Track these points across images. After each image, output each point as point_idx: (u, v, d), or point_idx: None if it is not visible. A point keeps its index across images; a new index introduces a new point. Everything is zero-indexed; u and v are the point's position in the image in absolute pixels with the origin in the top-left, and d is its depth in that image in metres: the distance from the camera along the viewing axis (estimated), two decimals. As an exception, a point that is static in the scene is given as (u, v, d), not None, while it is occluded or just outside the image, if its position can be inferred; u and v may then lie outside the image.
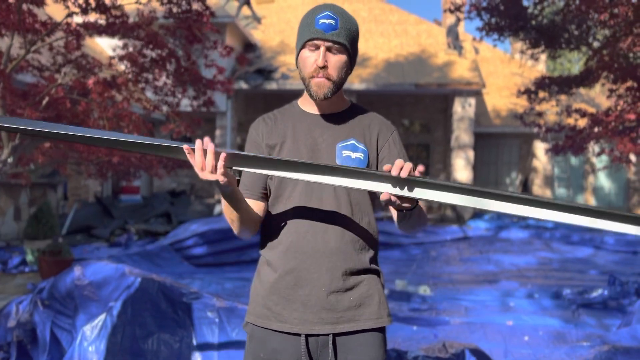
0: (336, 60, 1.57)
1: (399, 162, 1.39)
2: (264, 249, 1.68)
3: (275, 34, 17.39)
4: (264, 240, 1.69)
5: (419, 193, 1.43)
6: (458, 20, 12.58)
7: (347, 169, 1.44)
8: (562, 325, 4.84)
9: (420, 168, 1.43)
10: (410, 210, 1.52)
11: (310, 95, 1.60)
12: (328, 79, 1.57)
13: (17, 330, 3.80)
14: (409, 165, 1.39)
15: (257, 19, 17.74)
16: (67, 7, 4.07)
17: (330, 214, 1.60)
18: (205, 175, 1.39)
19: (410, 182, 1.41)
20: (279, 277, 1.60)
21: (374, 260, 1.68)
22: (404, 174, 1.38)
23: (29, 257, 7.16)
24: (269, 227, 1.66)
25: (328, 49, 1.56)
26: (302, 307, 1.57)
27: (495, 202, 1.40)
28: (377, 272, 1.69)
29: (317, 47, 1.56)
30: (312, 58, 1.56)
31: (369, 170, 1.43)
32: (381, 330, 1.64)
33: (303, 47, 1.57)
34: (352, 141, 1.63)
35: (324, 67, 1.56)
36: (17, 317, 3.94)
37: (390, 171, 1.39)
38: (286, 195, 1.63)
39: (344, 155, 1.60)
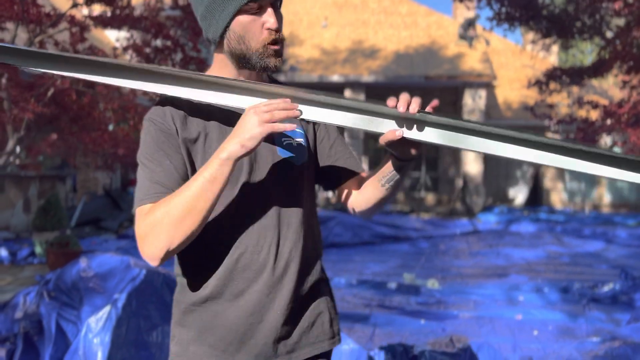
0: (281, 17, 1.28)
1: (404, 95, 1.15)
2: (189, 274, 1.29)
3: (284, 26, 17.32)
4: (188, 261, 1.29)
5: (432, 135, 1.16)
6: (477, 16, 12.38)
7: (328, 101, 1.18)
8: (571, 319, 4.78)
9: (434, 103, 1.19)
10: (410, 161, 1.28)
11: (262, 69, 1.26)
12: (282, 44, 1.27)
13: (23, 321, 3.80)
14: (418, 99, 1.15)
15: (266, 11, 17.63)
16: (72, -2, 4.08)
17: (285, 215, 1.30)
18: (263, 125, 1.12)
19: (420, 122, 1.16)
20: (222, 306, 1.26)
21: (322, 267, 1.41)
22: (414, 109, 1.13)
23: (38, 249, 7.19)
24: (196, 242, 1.23)
25: (272, 5, 1.24)
26: (252, 341, 1.26)
27: (537, 151, 1.18)
28: (327, 282, 1.43)
29: (260, 7, 1.23)
30: (258, 22, 1.23)
31: (369, 103, 1.17)
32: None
33: (238, 12, 1.22)
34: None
35: (278, 30, 1.25)
36: (24, 308, 3.95)
37: (395, 107, 1.14)
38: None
39: (284, 142, 1.32)
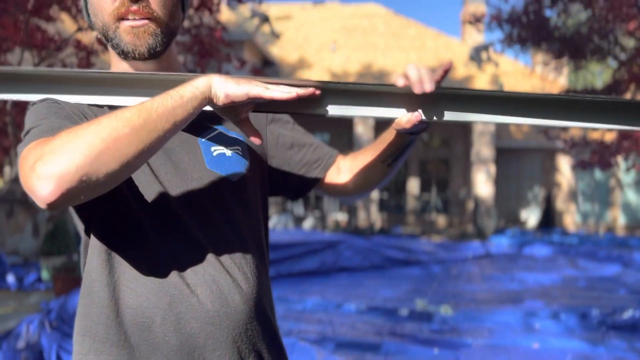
0: None
1: (414, 70, 0.91)
2: (88, 329, 0.99)
3: (293, 50, 17.42)
4: (90, 309, 0.98)
5: (451, 113, 0.96)
6: (492, 43, 12.34)
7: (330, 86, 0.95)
8: (590, 348, 4.61)
9: (447, 65, 0.93)
10: (420, 133, 1.06)
11: (123, 54, 0.97)
12: (150, 18, 0.96)
13: (25, 352, 3.72)
14: (429, 73, 0.92)
15: (276, 36, 17.82)
16: (77, 22, 4.04)
17: (228, 243, 1.01)
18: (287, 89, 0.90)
19: (437, 99, 0.96)
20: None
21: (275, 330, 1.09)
22: (429, 87, 0.90)
23: (45, 274, 7.13)
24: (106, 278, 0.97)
25: None
26: None
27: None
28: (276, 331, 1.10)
29: None
30: None
31: (373, 85, 0.95)
32: None
33: None
34: (219, 129, 1.07)
35: (137, 1, 0.94)
36: (27, 338, 3.87)
37: (406, 86, 0.91)
38: (138, 207, 0.97)
39: (215, 153, 1.04)
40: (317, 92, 0.92)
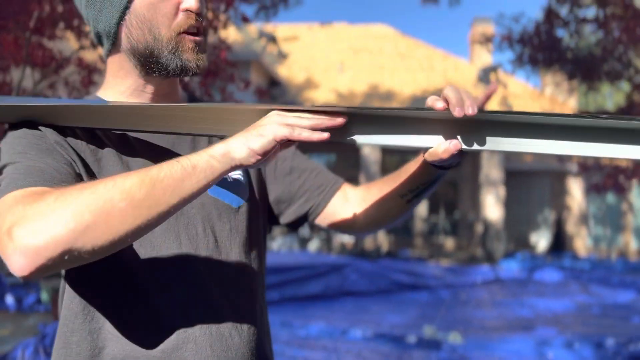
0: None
1: (454, 92, 0.78)
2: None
3: (299, 70, 17.45)
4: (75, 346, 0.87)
5: (494, 141, 0.82)
6: (499, 65, 12.28)
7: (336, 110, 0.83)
8: (608, 381, 4.41)
9: (492, 88, 0.87)
10: (450, 168, 0.93)
11: (179, 70, 0.89)
12: (206, 36, 0.93)
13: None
14: (470, 95, 0.80)
15: (283, 56, 17.89)
16: (79, 40, 4.00)
17: (236, 272, 0.95)
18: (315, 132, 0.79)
19: (479, 126, 0.82)
20: None
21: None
22: (471, 110, 0.78)
23: (44, 296, 7.00)
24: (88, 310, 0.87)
25: None
26: None
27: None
28: None
29: None
30: (171, 1, 0.87)
31: (410, 110, 0.83)
32: None
33: None
34: None
35: (200, 14, 0.89)
36: (21, 363, 3.75)
37: (445, 110, 0.79)
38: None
39: None
40: (343, 120, 0.81)
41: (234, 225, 0.95)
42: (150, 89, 0.93)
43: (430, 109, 0.80)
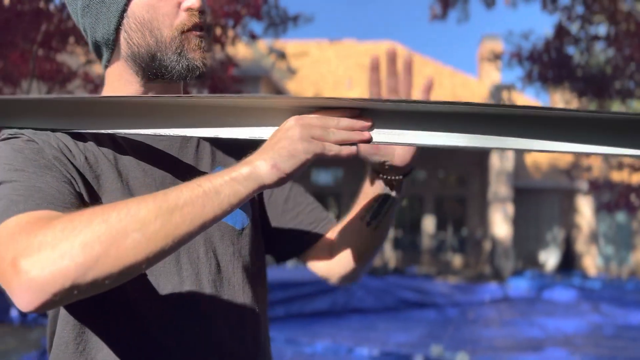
0: None
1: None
2: None
3: (309, 86, 17.52)
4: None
5: (382, 134, 0.77)
6: (512, 84, 12.21)
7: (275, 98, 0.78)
8: (621, 405, 4.29)
9: (429, 81, 0.84)
10: (407, 176, 0.90)
11: (186, 71, 0.83)
12: (209, 34, 0.88)
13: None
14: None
15: (292, 72, 17.97)
16: (87, 55, 4.01)
17: (239, 300, 0.90)
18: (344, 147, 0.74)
19: (399, 115, 0.78)
20: None
21: None
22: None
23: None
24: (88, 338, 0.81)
25: None
26: None
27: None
28: None
29: None
30: (171, 1, 0.83)
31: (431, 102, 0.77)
32: None
33: None
34: (218, 170, 0.92)
35: (203, 12, 0.84)
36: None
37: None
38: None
39: None
40: (370, 136, 0.76)
41: (236, 248, 0.90)
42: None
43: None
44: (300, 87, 17.52)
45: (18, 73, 3.50)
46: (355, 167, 16.69)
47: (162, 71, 0.84)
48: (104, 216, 0.64)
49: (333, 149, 0.72)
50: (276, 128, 0.75)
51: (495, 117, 0.76)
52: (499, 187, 14.64)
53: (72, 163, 0.79)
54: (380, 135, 0.77)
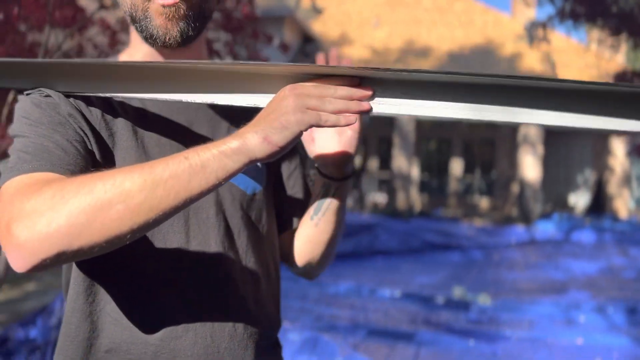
0: None
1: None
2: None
3: (335, 26, 17.12)
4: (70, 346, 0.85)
5: (382, 105, 0.75)
6: (548, 20, 11.66)
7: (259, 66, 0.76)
8: (638, 347, 4.34)
9: (334, 54, 0.81)
10: (342, 180, 0.90)
11: (152, 38, 0.82)
12: (189, 2, 0.81)
13: (57, 330, 3.75)
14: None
15: (318, 11, 17.52)
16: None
17: (246, 262, 0.91)
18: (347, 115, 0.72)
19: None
20: None
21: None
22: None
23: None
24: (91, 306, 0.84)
25: None
26: None
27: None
28: None
29: None
30: None
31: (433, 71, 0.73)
32: None
33: None
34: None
35: None
36: (60, 314, 3.90)
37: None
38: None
39: None
40: (369, 106, 0.74)
41: (245, 212, 0.90)
42: (161, 59, 0.87)
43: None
44: (326, 27, 17.14)
45: (34, 20, 3.49)
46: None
47: (143, 35, 0.84)
48: (90, 186, 0.66)
49: (330, 119, 0.69)
50: (272, 96, 0.73)
51: (500, 88, 0.74)
52: (529, 129, 14.33)
53: (86, 119, 0.81)
54: (380, 106, 0.75)
